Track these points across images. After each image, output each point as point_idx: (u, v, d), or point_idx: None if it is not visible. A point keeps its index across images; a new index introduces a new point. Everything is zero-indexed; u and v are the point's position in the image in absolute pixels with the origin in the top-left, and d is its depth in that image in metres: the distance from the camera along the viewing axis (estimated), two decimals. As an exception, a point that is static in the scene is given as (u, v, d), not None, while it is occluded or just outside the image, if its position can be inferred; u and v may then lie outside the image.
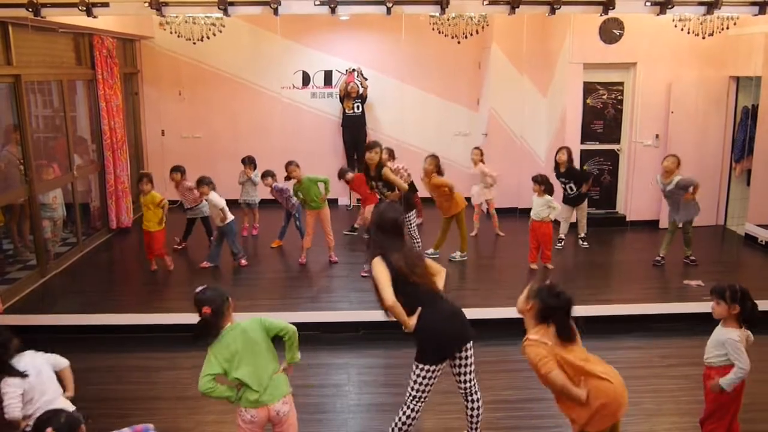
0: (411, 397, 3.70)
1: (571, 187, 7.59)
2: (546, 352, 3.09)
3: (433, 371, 3.66)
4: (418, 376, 3.67)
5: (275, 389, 3.24)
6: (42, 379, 3.34)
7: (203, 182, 6.91)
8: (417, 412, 3.72)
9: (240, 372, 3.19)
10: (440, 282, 3.82)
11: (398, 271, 3.61)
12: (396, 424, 3.72)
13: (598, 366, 3.13)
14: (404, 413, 3.71)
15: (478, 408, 3.82)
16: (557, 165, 7.61)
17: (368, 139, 9.60)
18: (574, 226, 7.87)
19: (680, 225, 7.04)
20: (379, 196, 6.62)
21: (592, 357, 3.18)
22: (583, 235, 7.80)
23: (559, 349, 3.09)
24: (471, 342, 3.75)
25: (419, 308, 3.64)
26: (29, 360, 3.35)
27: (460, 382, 3.79)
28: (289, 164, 7.07)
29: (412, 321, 3.62)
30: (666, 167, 6.93)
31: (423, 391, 3.69)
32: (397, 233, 3.75)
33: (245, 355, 3.20)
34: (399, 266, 3.62)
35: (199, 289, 3.30)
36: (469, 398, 3.80)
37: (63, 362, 3.53)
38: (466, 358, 3.74)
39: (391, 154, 7.84)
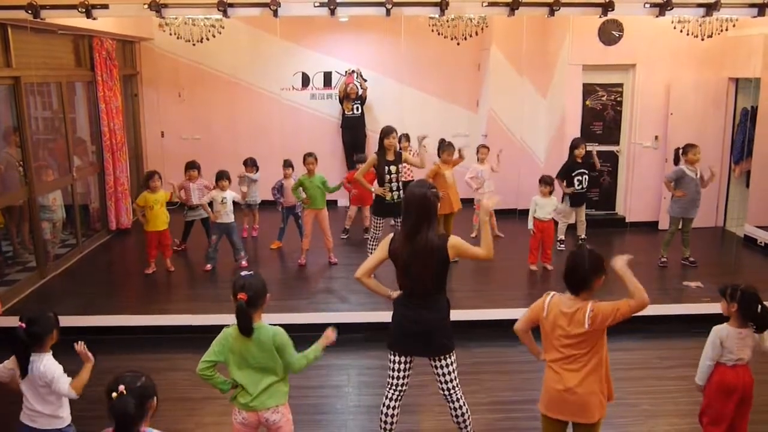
0: (386, 383, 3.79)
1: (586, 179, 7.56)
2: (536, 305, 3.27)
3: (396, 359, 3.71)
4: (388, 359, 3.76)
5: (268, 398, 3.20)
6: (31, 385, 3.27)
7: (224, 176, 6.97)
8: (391, 401, 3.74)
9: (238, 374, 3.19)
10: (474, 251, 3.54)
11: (393, 255, 3.57)
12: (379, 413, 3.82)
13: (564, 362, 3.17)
14: (383, 401, 3.79)
15: (462, 414, 3.75)
16: (574, 158, 7.52)
17: (367, 140, 9.63)
18: (570, 229, 7.87)
19: (681, 224, 7.05)
20: (378, 194, 6.60)
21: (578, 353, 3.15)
22: (584, 236, 7.80)
23: (546, 318, 3.21)
24: (444, 356, 3.66)
25: (401, 292, 3.66)
26: (36, 366, 3.26)
27: (439, 387, 3.75)
28: (308, 155, 7.07)
29: (391, 293, 3.69)
30: (696, 159, 6.86)
31: (393, 378, 3.74)
32: (422, 213, 3.48)
33: (248, 359, 3.17)
34: (394, 253, 3.56)
35: (243, 272, 3.22)
36: (450, 405, 3.76)
37: (65, 393, 3.30)
38: (440, 367, 3.68)
39: (408, 138, 8.15)
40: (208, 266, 7.06)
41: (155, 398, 2.57)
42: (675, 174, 6.99)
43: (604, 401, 3.21)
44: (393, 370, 3.75)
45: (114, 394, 2.42)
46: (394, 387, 3.76)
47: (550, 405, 3.25)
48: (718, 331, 3.57)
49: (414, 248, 3.48)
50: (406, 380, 3.76)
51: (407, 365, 3.73)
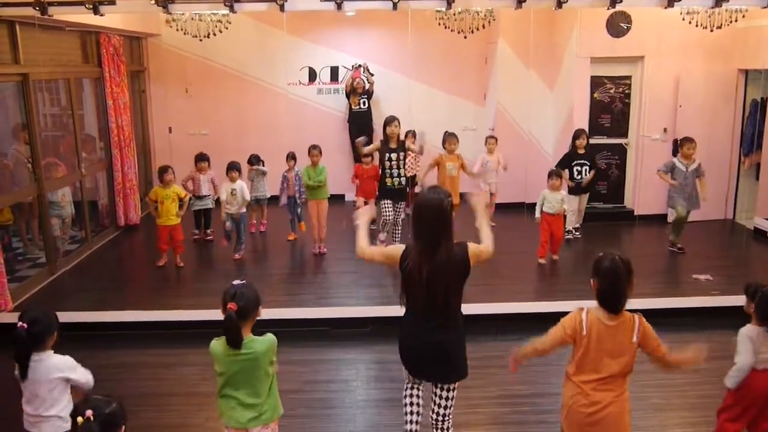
0: (403, 412, 3.58)
1: (586, 170, 7.66)
2: (570, 323, 3.03)
3: (408, 378, 3.49)
4: (404, 385, 3.55)
5: (259, 416, 3.08)
6: (36, 387, 3.18)
7: (233, 168, 7.08)
8: (407, 415, 3.52)
9: (227, 390, 3.08)
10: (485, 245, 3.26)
11: (407, 273, 3.19)
12: None
13: (594, 379, 3.01)
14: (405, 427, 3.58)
15: None
16: (575, 149, 7.63)
17: (374, 134, 9.63)
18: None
19: (685, 213, 7.09)
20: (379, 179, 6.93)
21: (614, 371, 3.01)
22: (577, 225, 7.88)
23: (583, 332, 3.01)
24: (450, 383, 3.35)
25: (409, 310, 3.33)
26: (44, 365, 3.18)
27: (433, 411, 3.44)
28: (313, 148, 7.24)
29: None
30: (690, 153, 6.96)
31: (406, 395, 3.54)
32: (439, 224, 3.11)
33: (236, 377, 3.04)
34: (408, 272, 3.16)
35: (236, 281, 3.08)
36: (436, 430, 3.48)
37: (85, 382, 3.28)
38: (446, 390, 3.37)
39: (414, 135, 8.28)
40: (238, 255, 7.20)
41: (123, 427, 2.40)
42: (666, 167, 7.12)
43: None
44: (407, 387, 3.53)
45: (80, 419, 2.24)
46: (409, 406, 3.52)
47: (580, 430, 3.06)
48: (747, 331, 3.44)
49: (435, 266, 3.10)
50: (418, 396, 3.55)
51: (419, 382, 3.50)
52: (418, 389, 3.56)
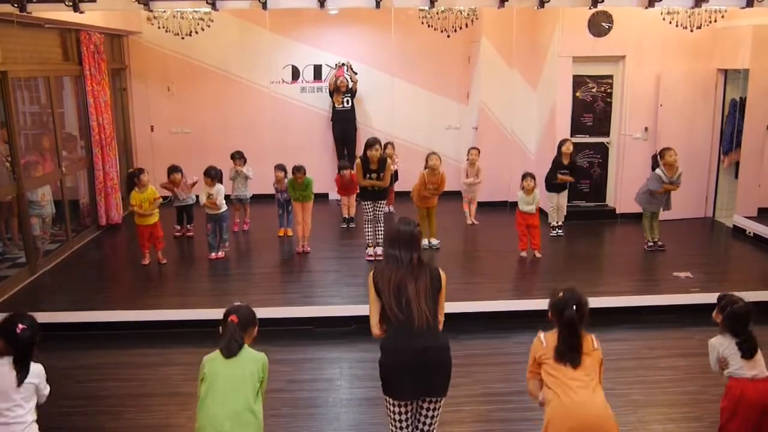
0: None
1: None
2: (539, 354, 3.14)
3: (395, 405, 3.26)
4: (386, 407, 3.33)
5: (241, 429, 3.04)
6: (10, 393, 3.11)
7: (207, 174, 7.03)
8: None
9: (209, 403, 3.05)
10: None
11: (381, 292, 3.26)
12: None
13: (573, 385, 3.03)
14: None
15: None
16: (561, 156, 7.68)
17: (358, 133, 9.63)
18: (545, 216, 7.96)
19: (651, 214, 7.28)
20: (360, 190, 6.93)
21: (583, 378, 3.04)
22: (560, 223, 7.93)
23: (548, 356, 3.09)
24: (437, 396, 3.27)
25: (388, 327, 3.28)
26: (33, 368, 3.17)
27: (419, 428, 3.34)
28: (297, 170, 7.17)
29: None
30: (672, 162, 6.98)
31: (398, 428, 3.31)
32: (410, 248, 3.32)
33: (225, 388, 3.06)
34: (383, 289, 3.25)
35: (236, 303, 3.32)
36: None
37: (44, 395, 3.27)
38: (433, 404, 3.28)
39: (393, 147, 8.50)
40: (213, 255, 7.12)
41: None
42: (657, 183, 7.11)
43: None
44: (396, 420, 3.29)
45: None
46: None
47: None
48: (713, 340, 3.56)
49: (409, 278, 3.24)
50: (412, 425, 3.34)
51: (410, 407, 3.29)
52: (405, 409, 3.30)
